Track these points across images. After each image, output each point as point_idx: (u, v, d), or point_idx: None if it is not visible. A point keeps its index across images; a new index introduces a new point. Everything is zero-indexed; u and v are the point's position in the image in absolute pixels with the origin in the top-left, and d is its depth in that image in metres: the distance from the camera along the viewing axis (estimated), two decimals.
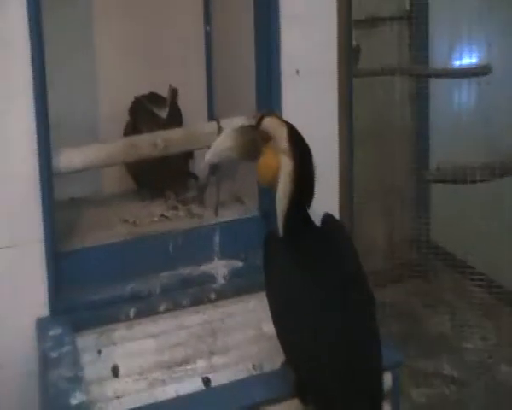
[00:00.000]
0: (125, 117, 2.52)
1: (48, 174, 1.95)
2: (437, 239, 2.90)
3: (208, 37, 2.72)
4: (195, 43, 2.69)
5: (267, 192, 2.20)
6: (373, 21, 2.80)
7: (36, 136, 1.93)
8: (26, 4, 1.84)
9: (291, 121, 2.14)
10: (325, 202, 2.21)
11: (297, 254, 1.62)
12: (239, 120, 2.28)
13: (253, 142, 1.73)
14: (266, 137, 1.71)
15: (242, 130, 1.77)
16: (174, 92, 2.46)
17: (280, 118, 1.77)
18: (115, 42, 2.58)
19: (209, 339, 1.98)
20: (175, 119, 2.47)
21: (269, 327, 1.90)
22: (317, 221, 1.74)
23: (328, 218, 1.74)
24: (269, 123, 1.72)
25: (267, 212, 2.26)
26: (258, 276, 2.10)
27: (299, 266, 1.60)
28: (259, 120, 1.73)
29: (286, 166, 1.66)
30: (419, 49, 2.80)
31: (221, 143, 1.78)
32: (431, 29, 2.88)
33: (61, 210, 2.12)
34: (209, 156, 1.78)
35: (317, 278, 1.57)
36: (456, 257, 2.89)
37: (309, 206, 1.70)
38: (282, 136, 1.69)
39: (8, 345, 1.95)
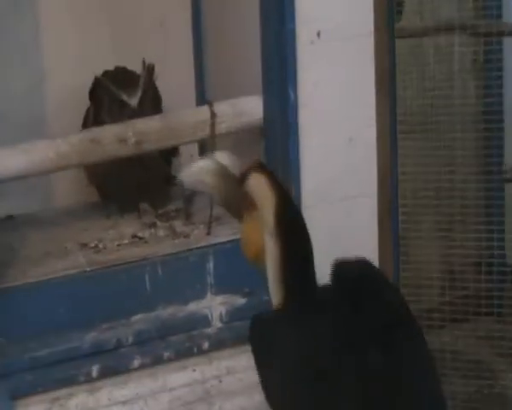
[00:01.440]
0: (82, 104, 2.52)
1: None
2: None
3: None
4: (179, 2, 2.73)
5: None
6: None
7: None
8: None
9: (309, 103, 2.21)
10: (360, 215, 2.33)
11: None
12: (239, 104, 2.30)
13: (237, 198, 1.78)
14: (251, 203, 1.74)
15: (226, 177, 1.78)
16: (150, 70, 2.45)
17: (270, 177, 1.76)
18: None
19: (201, 407, 1.97)
20: (151, 105, 2.47)
21: None
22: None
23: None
24: (255, 185, 1.73)
25: None
26: None
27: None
28: (244, 177, 1.74)
29: (271, 252, 1.71)
30: None
31: (199, 173, 1.81)
32: None
33: None
34: (184, 178, 1.84)
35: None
36: None
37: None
38: (268, 209, 1.71)
39: None
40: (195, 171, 1.82)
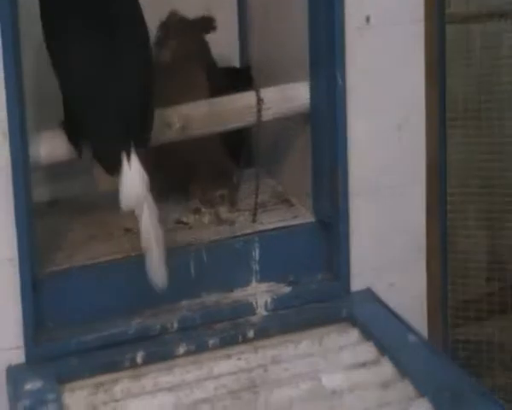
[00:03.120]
0: None
1: (23, 167, 1.99)
2: None
3: None
4: None
5: (325, 190, 2.28)
6: None
7: (5, 113, 1.95)
8: None
9: (357, 90, 2.23)
10: (408, 202, 2.33)
11: None
12: (286, 90, 2.33)
13: None
14: None
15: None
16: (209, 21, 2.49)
17: None
18: None
19: (247, 395, 1.93)
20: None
21: (330, 379, 1.93)
22: None
23: None
24: None
25: (325, 217, 2.31)
26: (314, 306, 2.21)
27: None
28: None
29: None
30: None
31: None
32: None
33: (40, 217, 2.15)
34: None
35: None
36: None
37: None
38: None
39: None
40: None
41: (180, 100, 2.30)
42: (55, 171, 2.32)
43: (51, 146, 2.12)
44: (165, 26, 2.48)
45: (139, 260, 2.09)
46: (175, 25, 2.48)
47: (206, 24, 2.49)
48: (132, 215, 2.19)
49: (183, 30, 2.47)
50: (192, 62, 2.48)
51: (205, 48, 2.55)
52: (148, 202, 1.97)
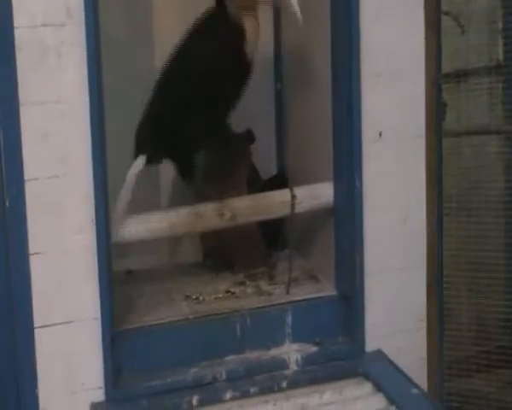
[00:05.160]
0: None
1: (106, 245, 2.00)
2: None
3: (279, 94, 2.79)
4: (266, 100, 2.76)
5: (347, 270, 2.26)
6: (461, 75, 2.76)
7: (94, 202, 1.97)
8: (86, 67, 1.92)
9: (372, 190, 2.23)
10: (411, 282, 2.32)
11: None
12: (315, 189, 2.35)
13: None
14: None
15: None
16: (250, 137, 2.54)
17: None
18: None
19: None
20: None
21: None
22: None
23: None
24: None
25: (345, 291, 2.29)
26: (335, 363, 2.20)
27: None
28: None
29: None
30: None
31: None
32: None
33: (118, 284, 2.15)
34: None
35: None
36: None
37: None
38: None
39: None
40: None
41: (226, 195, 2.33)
42: (130, 247, 2.33)
43: (128, 229, 2.14)
44: None
45: (196, 321, 2.17)
46: None
47: (248, 137, 2.53)
48: (195, 284, 2.35)
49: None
50: (239, 168, 2.53)
51: (248, 158, 2.59)
52: None
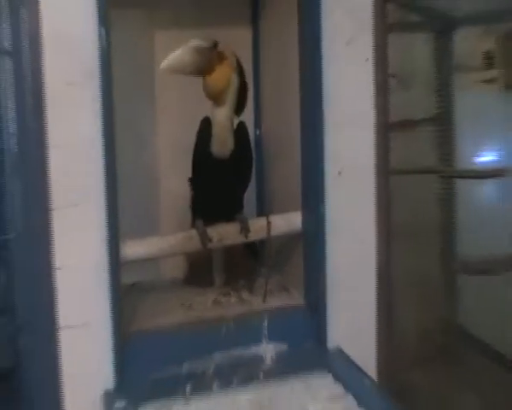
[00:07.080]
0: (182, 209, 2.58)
1: (116, 262, 2.02)
2: (466, 325, 2.74)
3: (258, 140, 2.84)
4: None
5: (313, 284, 2.27)
6: (405, 124, 2.80)
7: (106, 226, 1.99)
8: (100, 117, 1.94)
9: (335, 216, 2.24)
10: (364, 295, 2.32)
11: None
12: (287, 216, 2.35)
13: (208, 60, 1.99)
14: (222, 57, 2.03)
15: (199, 49, 1.97)
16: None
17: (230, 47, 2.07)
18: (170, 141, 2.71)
19: None
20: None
21: (315, 408, 1.98)
22: None
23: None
24: (225, 47, 2.05)
25: (312, 301, 2.29)
26: (303, 359, 2.21)
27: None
28: (215, 44, 2.02)
29: (235, 82, 2.08)
30: (445, 151, 2.68)
31: (178, 56, 1.94)
32: (457, 131, 2.78)
33: (125, 294, 2.17)
34: (165, 66, 1.93)
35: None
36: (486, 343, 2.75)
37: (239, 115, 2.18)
38: (233, 58, 2.07)
39: None
40: (174, 55, 1.92)
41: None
42: (135, 264, 2.27)
43: (133, 249, 2.15)
44: None
45: (190, 326, 2.17)
46: None
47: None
48: (187, 294, 2.34)
49: None
50: None
51: None
52: None
